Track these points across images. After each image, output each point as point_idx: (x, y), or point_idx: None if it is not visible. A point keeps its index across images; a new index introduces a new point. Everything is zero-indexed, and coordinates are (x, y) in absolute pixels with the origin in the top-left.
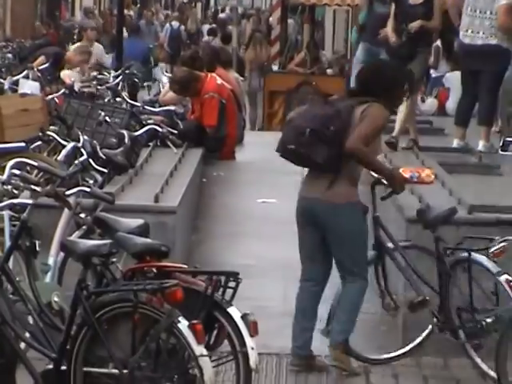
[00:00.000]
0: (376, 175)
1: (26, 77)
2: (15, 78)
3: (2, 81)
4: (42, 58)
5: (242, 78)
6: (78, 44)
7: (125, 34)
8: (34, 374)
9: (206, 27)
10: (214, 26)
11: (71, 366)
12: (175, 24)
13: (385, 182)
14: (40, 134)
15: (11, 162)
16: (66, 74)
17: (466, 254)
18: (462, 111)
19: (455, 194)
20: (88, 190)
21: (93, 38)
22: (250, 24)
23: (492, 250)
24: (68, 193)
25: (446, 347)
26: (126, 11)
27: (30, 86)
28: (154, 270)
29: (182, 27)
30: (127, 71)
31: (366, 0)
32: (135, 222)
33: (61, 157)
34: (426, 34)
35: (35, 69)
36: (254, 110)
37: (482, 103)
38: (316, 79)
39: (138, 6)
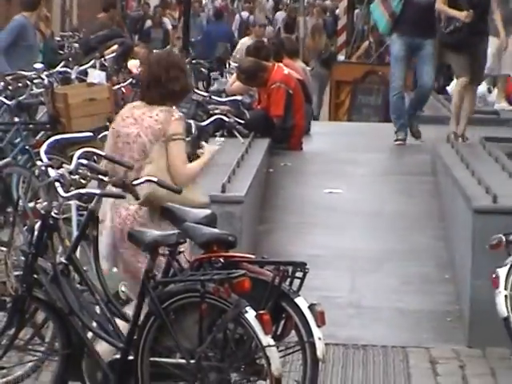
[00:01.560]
0: None
1: (93, 66)
2: (82, 67)
3: (69, 70)
4: (115, 47)
5: (309, 68)
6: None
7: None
8: (101, 364)
9: (280, 15)
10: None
11: (138, 356)
12: (244, 14)
13: None
14: (107, 123)
15: (78, 152)
16: (133, 64)
17: None
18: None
19: None
20: (155, 179)
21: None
22: (315, 14)
23: None
24: (135, 182)
25: None
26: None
27: (97, 76)
28: (221, 260)
29: (252, 17)
30: (194, 61)
31: None
32: (202, 211)
33: None
34: (485, 20)
35: (102, 58)
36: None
37: None
38: (382, 69)
39: None
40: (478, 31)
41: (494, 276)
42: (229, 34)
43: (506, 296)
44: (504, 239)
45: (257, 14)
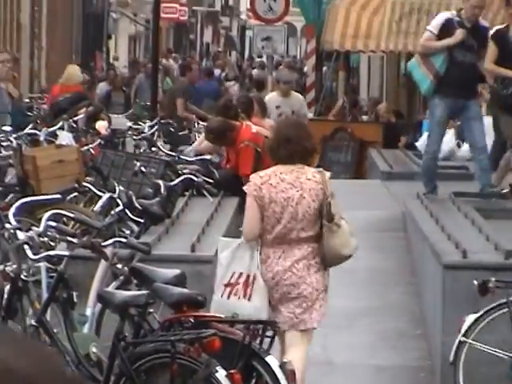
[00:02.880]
0: None
1: (62, 128)
2: (51, 129)
3: (37, 132)
4: (84, 109)
5: None
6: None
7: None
8: None
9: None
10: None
11: None
12: (217, 71)
13: None
14: (76, 185)
15: (47, 214)
16: (102, 125)
17: None
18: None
19: (492, 240)
20: (124, 240)
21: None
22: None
23: None
24: (104, 244)
25: None
26: (164, 60)
27: (66, 137)
28: (192, 319)
29: (223, 74)
30: (162, 121)
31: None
32: (172, 272)
33: (97, 208)
34: None
35: (71, 120)
36: None
37: None
38: (351, 126)
39: (173, 54)
40: None
41: (461, 320)
42: (216, 90)
43: (460, 341)
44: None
45: (228, 71)
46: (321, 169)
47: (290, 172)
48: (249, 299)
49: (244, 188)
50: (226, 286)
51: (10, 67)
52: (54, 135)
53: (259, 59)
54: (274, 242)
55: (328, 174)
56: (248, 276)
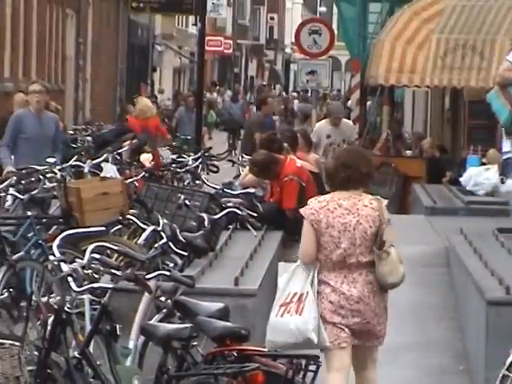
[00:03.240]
0: None
1: (106, 160)
2: (95, 161)
3: (81, 164)
4: (129, 142)
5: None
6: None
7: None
8: None
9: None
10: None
11: None
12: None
13: None
14: (120, 217)
15: (91, 246)
16: (146, 158)
17: None
18: None
19: None
20: (168, 273)
21: None
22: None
23: None
24: (148, 276)
25: None
26: (208, 94)
27: (110, 170)
28: (235, 353)
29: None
30: (206, 154)
31: None
32: (215, 305)
33: (141, 240)
34: None
35: (115, 152)
36: None
37: None
38: (395, 160)
39: (218, 88)
40: None
41: (506, 354)
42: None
43: (503, 375)
44: None
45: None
46: (378, 196)
47: (347, 198)
48: (300, 314)
49: (301, 211)
50: (281, 305)
51: (43, 98)
52: (98, 167)
53: (297, 93)
54: (336, 266)
55: (385, 201)
56: (301, 295)
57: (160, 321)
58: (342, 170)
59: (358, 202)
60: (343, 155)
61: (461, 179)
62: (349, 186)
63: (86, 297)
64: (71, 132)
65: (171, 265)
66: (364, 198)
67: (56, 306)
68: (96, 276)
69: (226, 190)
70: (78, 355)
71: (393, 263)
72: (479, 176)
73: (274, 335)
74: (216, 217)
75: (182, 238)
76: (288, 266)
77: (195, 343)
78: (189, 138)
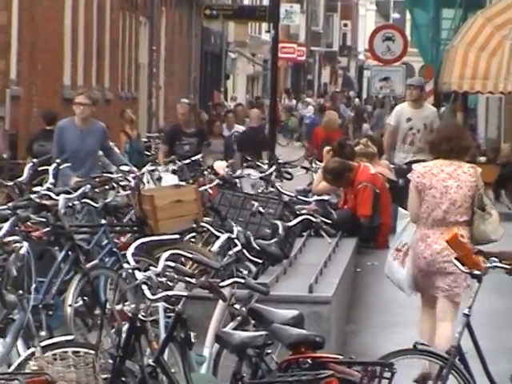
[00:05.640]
0: None
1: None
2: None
3: (158, 168)
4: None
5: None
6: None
7: None
8: None
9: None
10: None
11: None
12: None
13: None
14: (194, 225)
15: (165, 254)
16: (220, 165)
17: None
18: None
19: None
20: (242, 281)
21: None
22: None
23: None
24: (222, 284)
25: None
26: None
27: (169, 179)
28: (309, 360)
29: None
30: (280, 161)
31: None
32: (290, 312)
33: (215, 248)
34: None
35: (181, 160)
36: None
37: None
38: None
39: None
40: None
41: None
42: None
43: None
44: None
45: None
46: (474, 165)
47: (448, 165)
48: (403, 266)
49: (408, 175)
50: (396, 250)
51: (88, 111)
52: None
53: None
54: (434, 223)
55: (479, 169)
56: (408, 248)
57: (234, 328)
58: (445, 142)
59: (458, 169)
60: (445, 128)
61: None
62: (450, 156)
63: (161, 304)
64: (145, 140)
65: (245, 272)
66: (463, 165)
67: (130, 314)
68: (170, 284)
69: (299, 197)
70: (152, 363)
71: (495, 223)
72: None
73: (389, 272)
74: (290, 224)
75: (256, 246)
76: (407, 214)
77: (270, 351)
78: None
